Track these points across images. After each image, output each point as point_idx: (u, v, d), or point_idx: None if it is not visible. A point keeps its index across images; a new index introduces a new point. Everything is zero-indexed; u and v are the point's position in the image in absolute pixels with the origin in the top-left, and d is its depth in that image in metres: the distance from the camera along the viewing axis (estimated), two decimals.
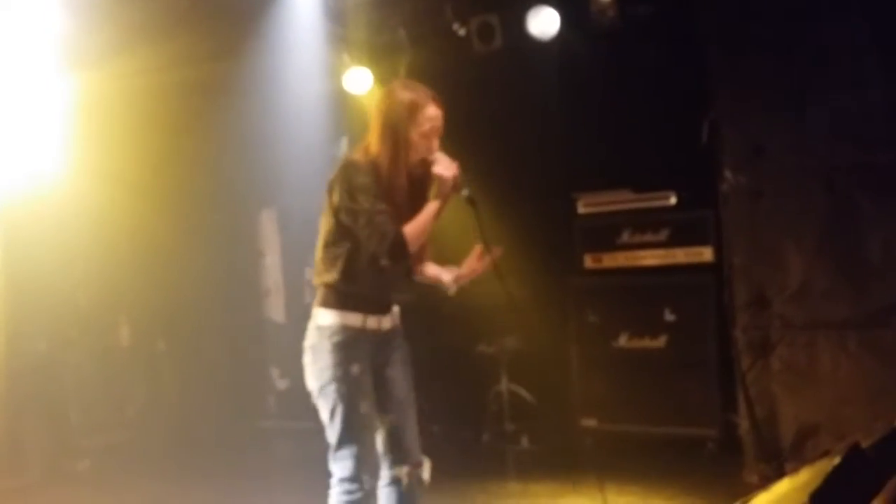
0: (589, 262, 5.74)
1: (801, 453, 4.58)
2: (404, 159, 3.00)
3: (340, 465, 2.99)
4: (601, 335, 5.62)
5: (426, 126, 3.00)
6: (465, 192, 3.00)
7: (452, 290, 3.14)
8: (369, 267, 2.98)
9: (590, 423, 5.64)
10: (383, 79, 6.20)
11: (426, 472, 3.14)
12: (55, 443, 5.98)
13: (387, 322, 3.11)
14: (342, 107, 6.70)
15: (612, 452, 5.46)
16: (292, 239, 7.50)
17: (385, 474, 3.11)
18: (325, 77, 6.29)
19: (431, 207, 3.00)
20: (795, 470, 3.45)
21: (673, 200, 5.50)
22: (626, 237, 5.61)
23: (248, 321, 7.48)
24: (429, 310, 3.17)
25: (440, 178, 2.98)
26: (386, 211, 2.93)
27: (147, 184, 6.13)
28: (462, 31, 5.71)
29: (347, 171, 2.98)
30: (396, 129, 2.99)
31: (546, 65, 5.88)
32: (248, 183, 7.17)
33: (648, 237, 5.53)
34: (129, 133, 5.85)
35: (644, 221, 5.56)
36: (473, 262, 3.11)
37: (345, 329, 2.98)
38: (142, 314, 6.78)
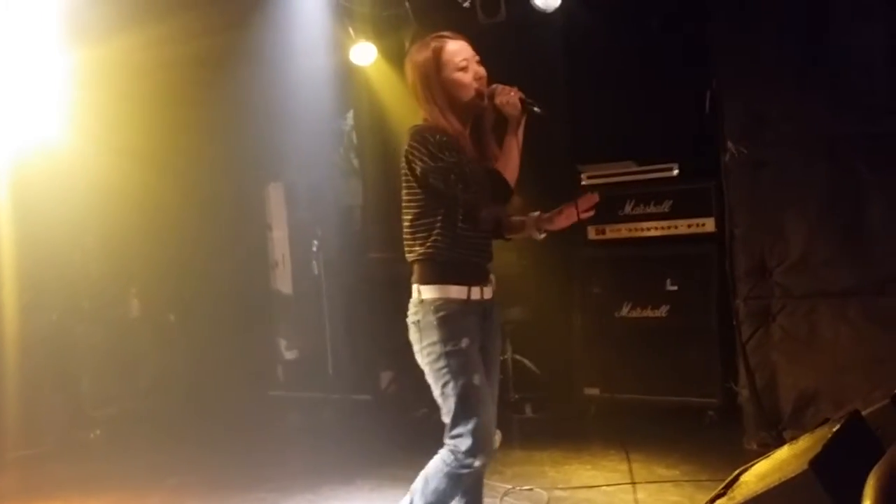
0: (592, 233, 5.74)
1: (801, 421, 4.59)
2: (458, 104, 2.90)
3: (454, 443, 2.81)
4: (604, 305, 5.64)
5: (457, 60, 2.90)
6: (536, 109, 2.88)
7: (539, 237, 3.05)
8: (466, 228, 2.88)
9: (592, 391, 5.68)
10: (388, 52, 6.22)
11: (497, 442, 2.98)
12: (68, 413, 5.99)
13: (488, 292, 2.97)
14: (348, 81, 6.71)
15: (615, 421, 5.51)
16: (299, 213, 7.55)
17: None
18: (331, 51, 6.27)
19: (511, 141, 2.88)
20: (795, 437, 3.43)
21: (675, 172, 5.49)
22: (629, 209, 5.61)
23: (257, 293, 7.51)
24: None
25: (506, 106, 2.86)
26: (472, 159, 2.84)
27: (156, 157, 6.13)
28: (466, 4, 5.67)
29: (420, 135, 2.85)
30: (431, 81, 2.89)
31: (550, 37, 5.89)
32: (256, 157, 7.17)
33: (651, 208, 5.53)
34: (139, 106, 5.83)
35: (647, 193, 5.56)
36: (571, 211, 3.01)
37: (449, 303, 2.85)
38: (152, 286, 6.79)
